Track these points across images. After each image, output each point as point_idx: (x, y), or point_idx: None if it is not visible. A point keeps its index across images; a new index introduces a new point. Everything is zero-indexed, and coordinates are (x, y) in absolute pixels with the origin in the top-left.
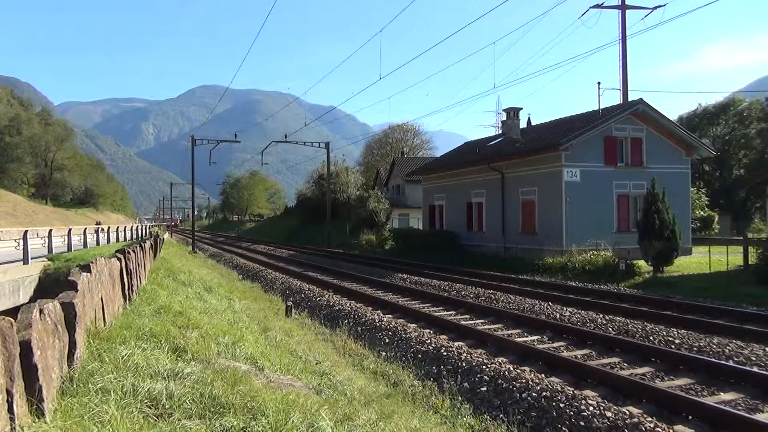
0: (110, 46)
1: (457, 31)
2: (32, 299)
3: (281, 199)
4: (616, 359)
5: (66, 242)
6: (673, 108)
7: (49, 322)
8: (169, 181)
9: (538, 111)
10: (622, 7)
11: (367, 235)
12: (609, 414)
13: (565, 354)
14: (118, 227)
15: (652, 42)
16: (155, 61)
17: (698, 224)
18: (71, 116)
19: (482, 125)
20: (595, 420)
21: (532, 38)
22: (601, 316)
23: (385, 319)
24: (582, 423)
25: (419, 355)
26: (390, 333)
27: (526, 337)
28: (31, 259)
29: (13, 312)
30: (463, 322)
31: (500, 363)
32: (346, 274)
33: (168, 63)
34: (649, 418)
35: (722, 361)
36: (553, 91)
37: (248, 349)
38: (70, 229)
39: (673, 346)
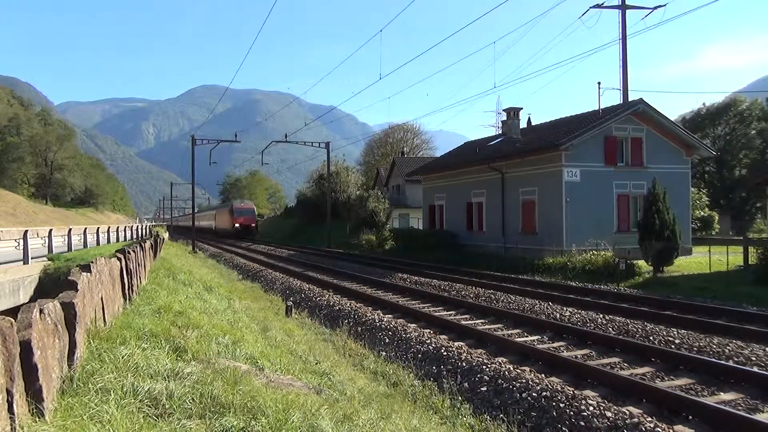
0: (110, 46)
1: (457, 31)
2: (32, 299)
3: (281, 199)
4: (616, 359)
5: (66, 242)
6: (673, 108)
7: (49, 322)
8: (169, 181)
9: (538, 111)
10: (622, 7)
11: (367, 235)
12: (609, 414)
13: (565, 354)
14: (118, 227)
15: (652, 42)
16: (155, 61)
17: (698, 224)
18: (71, 116)
19: (482, 125)
20: (595, 420)
21: (532, 38)
22: (601, 316)
23: (385, 319)
24: (582, 423)
25: (419, 355)
26: (390, 333)
27: (526, 337)
28: (31, 259)
29: (13, 312)
30: (463, 322)
31: (500, 363)
32: (346, 273)
33: (168, 63)
34: (649, 418)
35: (722, 361)
36: (553, 91)
37: (248, 349)
38: (70, 229)
39: (673, 346)
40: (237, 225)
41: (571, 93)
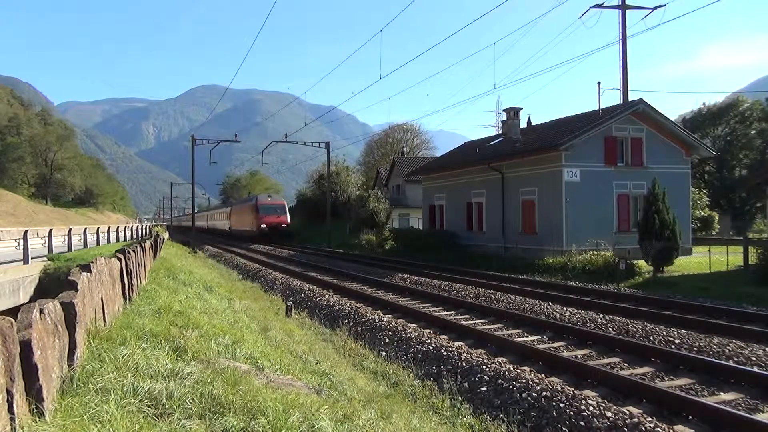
0: (110, 46)
1: (457, 31)
2: (32, 299)
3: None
4: (616, 359)
5: (66, 242)
6: (673, 108)
7: (49, 322)
8: (169, 181)
9: (538, 111)
10: (622, 7)
11: (367, 235)
12: (609, 414)
13: (565, 354)
14: (118, 227)
15: (652, 42)
16: (155, 61)
17: (698, 224)
18: (71, 116)
19: (482, 125)
20: (595, 420)
21: (532, 38)
22: (601, 316)
23: (385, 319)
24: (582, 423)
25: (419, 355)
26: (390, 333)
27: (526, 337)
28: (31, 259)
29: (13, 312)
30: (464, 322)
31: (500, 363)
32: (346, 273)
33: (168, 63)
34: (649, 418)
35: (722, 361)
36: (553, 91)
37: (248, 349)
38: (70, 229)
39: (673, 346)
40: (264, 226)
41: (571, 93)
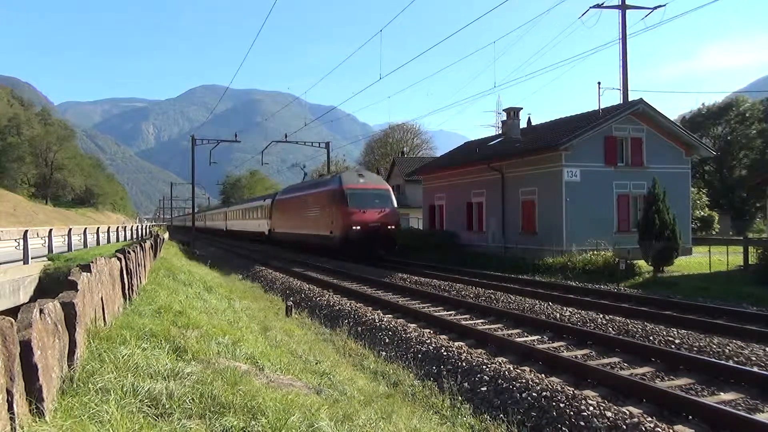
0: (110, 46)
1: (457, 31)
2: (32, 299)
3: None
4: (616, 359)
5: (66, 242)
6: (673, 108)
7: (49, 322)
8: (169, 181)
9: (538, 111)
10: (622, 7)
11: None
12: (609, 414)
13: (565, 354)
14: (118, 227)
15: (652, 42)
16: (155, 61)
17: (698, 224)
18: (71, 116)
19: (482, 125)
20: (595, 420)
21: (532, 38)
22: (601, 316)
23: (385, 319)
24: (582, 423)
25: (419, 355)
26: (390, 333)
27: (526, 337)
28: (31, 258)
29: (13, 312)
30: (463, 322)
31: (500, 363)
32: (346, 273)
33: (168, 63)
34: (649, 418)
35: (722, 361)
36: (553, 91)
37: (248, 349)
38: (70, 229)
39: (673, 346)
40: (356, 228)
41: (571, 93)
